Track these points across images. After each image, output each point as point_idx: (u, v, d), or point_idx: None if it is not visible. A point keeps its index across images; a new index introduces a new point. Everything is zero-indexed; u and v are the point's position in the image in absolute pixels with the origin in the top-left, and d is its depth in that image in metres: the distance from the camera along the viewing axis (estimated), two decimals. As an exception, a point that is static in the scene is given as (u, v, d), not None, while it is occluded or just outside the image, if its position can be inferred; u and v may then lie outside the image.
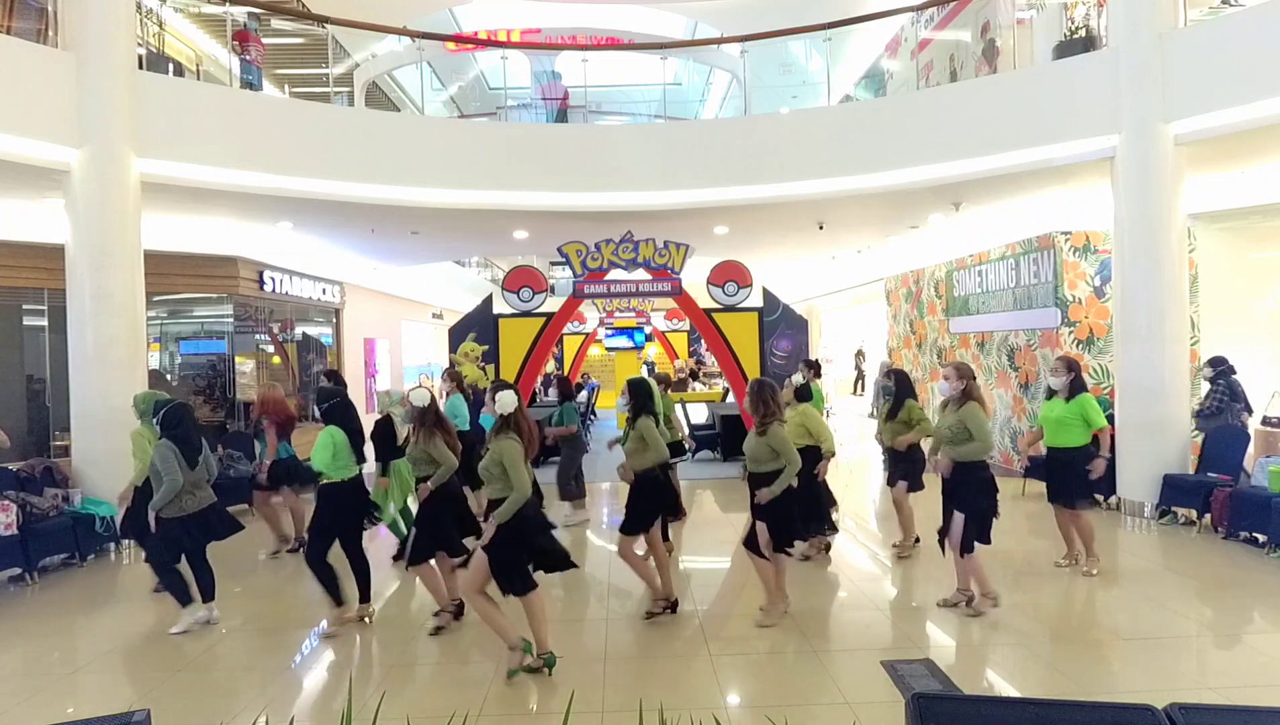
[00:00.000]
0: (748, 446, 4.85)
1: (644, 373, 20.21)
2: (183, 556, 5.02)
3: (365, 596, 5.10)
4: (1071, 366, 5.77)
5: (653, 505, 5.05)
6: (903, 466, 6.33)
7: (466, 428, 7.47)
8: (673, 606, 5.05)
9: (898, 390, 6.48)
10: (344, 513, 4.98)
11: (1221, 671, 4.10)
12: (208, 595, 5.07)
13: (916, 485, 6.33)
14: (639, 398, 5.16)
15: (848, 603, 5.30)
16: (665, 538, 5.92)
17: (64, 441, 8.40)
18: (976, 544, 4.82)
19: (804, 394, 6.26)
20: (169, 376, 11.66)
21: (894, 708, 3.61)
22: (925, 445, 5.84)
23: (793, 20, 10.50)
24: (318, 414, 5.12)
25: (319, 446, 4.84)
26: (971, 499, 4.79)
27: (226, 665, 4.46)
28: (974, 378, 5.06)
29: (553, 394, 14.12)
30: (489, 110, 15.63)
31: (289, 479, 7.00)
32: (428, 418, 5.05)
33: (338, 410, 5.02)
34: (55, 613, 5.50)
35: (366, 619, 5.03)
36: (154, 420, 5.11)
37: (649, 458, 4.98)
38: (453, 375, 7.89)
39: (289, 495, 7.07)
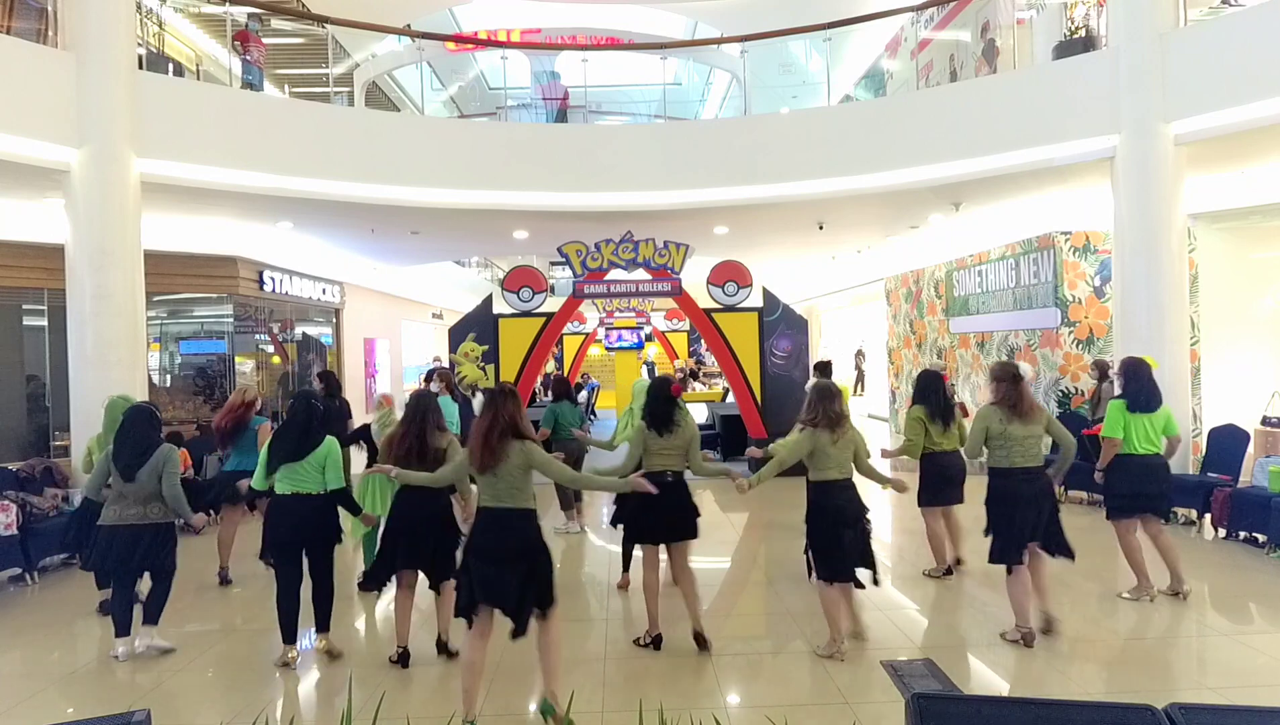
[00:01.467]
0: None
1: (644, 373, 20.20)
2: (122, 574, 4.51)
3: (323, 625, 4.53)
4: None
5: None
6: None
7: (457, 431, 7.43)
8: (655, 642, 4.50)
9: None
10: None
11: (1221, 671, 4.09)
12: (124, 629, 4.49)
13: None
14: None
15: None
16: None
17: (64, 441, 8.40)
18: (1010, 564, 4.36)
19: None
20: (169, 377, 11.67)
21: (894, 708, 3.61)
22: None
23: (793, 20, 10.50)
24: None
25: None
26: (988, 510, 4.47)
27: (226, 665, 4.45)
28: (1000, 379, 4.51)
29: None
30: (489, 110, 15.64)
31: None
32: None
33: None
34: (55, 613, 5.50)
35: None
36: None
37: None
38: (442, 375, 7.83)
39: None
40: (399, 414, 4.74)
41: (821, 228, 11.16)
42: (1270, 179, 8.22)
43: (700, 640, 4.39)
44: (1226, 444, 7.14)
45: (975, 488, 5.13)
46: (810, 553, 4.50)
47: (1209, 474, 7.08)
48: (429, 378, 7.82)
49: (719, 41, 13.32)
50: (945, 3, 9.99)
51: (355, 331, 15.31)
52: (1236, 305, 8.96)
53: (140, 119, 7.36)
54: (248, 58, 8.98)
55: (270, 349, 12.67)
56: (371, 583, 4.78)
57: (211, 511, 7.77)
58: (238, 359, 11.71)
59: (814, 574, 4.51)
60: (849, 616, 4.52)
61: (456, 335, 10.62)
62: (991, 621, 4.82)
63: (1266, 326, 8.93)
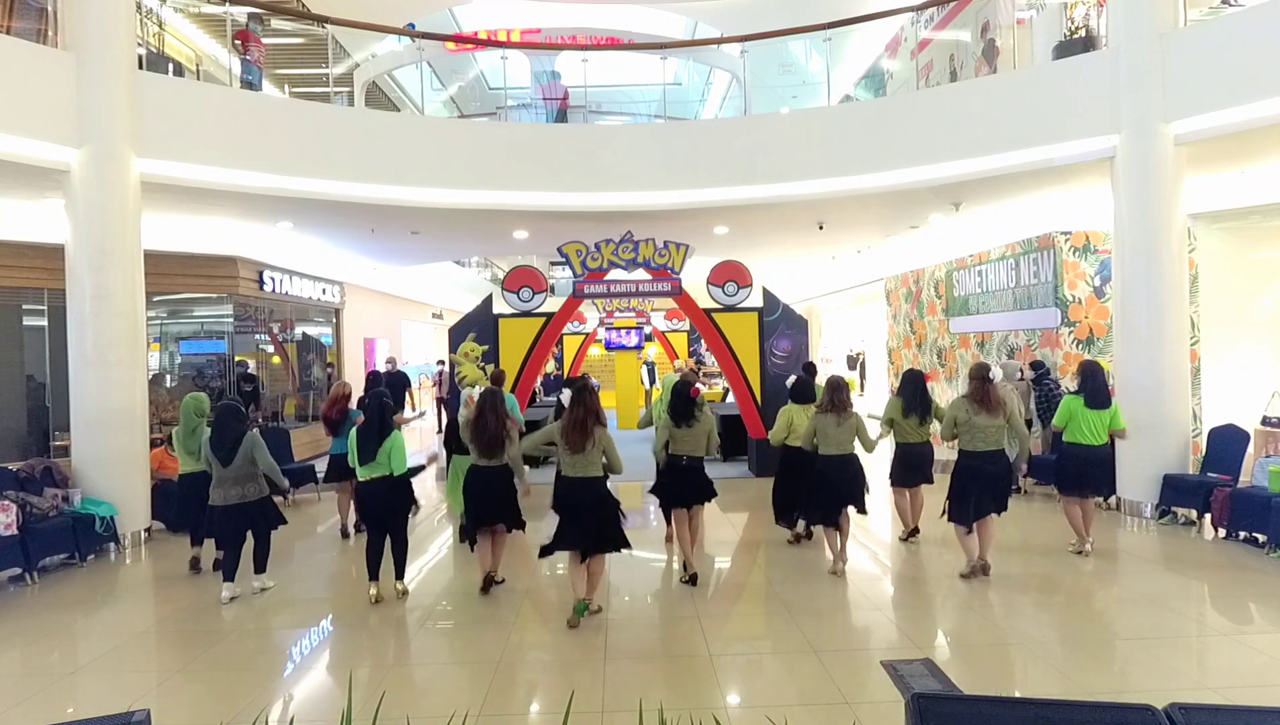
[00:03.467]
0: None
1: (644, 373, 20.19)
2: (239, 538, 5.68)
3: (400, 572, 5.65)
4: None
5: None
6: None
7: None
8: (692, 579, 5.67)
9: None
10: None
11: (1221, 671, 4.10)
12: (228, 574, 5.64)
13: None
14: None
15: (848, 603, 5.29)
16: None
17: (64, 441, 8.41)
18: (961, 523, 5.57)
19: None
20: (168, 377, 11.67)
21: (894, 708, 3.61)
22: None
23: (793, 20, 10.50)
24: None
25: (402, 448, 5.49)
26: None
27: (226, 665, 4.45)
28: (973, 377, 5.65)
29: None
30: (489, 110, 15.64)
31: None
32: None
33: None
34: (55, 613, 5.50)
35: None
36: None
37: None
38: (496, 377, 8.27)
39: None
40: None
41: (821, 228, 11.16)
42: (1270, 179, 8.22)
43: (693, 579, 5.64)
44: (1226, 444, 7.14)
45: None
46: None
47: (1209, 474, 7.08)
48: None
49: (719, 41, 13.32)
50: (945, 3, 9.99)
51: (355, 331, 15.31)
52: (1236, 305, 8.96)
53: (140, 119, 7.36)
54: (248, 57, 8.98)
55: (270, 349, 12.67)
56: (466, 537, 5.95)
57: (290, 491, 8.62)
58: (238, 359, 11.71)
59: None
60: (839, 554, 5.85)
61: (456, 335, 10.61)
62: (992, 622, 4.82)
63: (1266, 326, 8.93)
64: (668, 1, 14.10)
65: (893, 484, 6.82)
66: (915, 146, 8.64)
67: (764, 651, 4.49)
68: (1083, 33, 8.11)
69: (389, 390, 6.44)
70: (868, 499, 5.99)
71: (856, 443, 5.86)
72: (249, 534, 5.66)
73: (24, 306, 9.45)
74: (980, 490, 5.46)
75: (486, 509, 5.48)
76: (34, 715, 3.81)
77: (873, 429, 6.30)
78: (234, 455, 5.46)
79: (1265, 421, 8.02)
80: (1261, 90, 6.45)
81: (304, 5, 11.58)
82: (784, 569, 6.08)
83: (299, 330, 13.51)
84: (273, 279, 11.77)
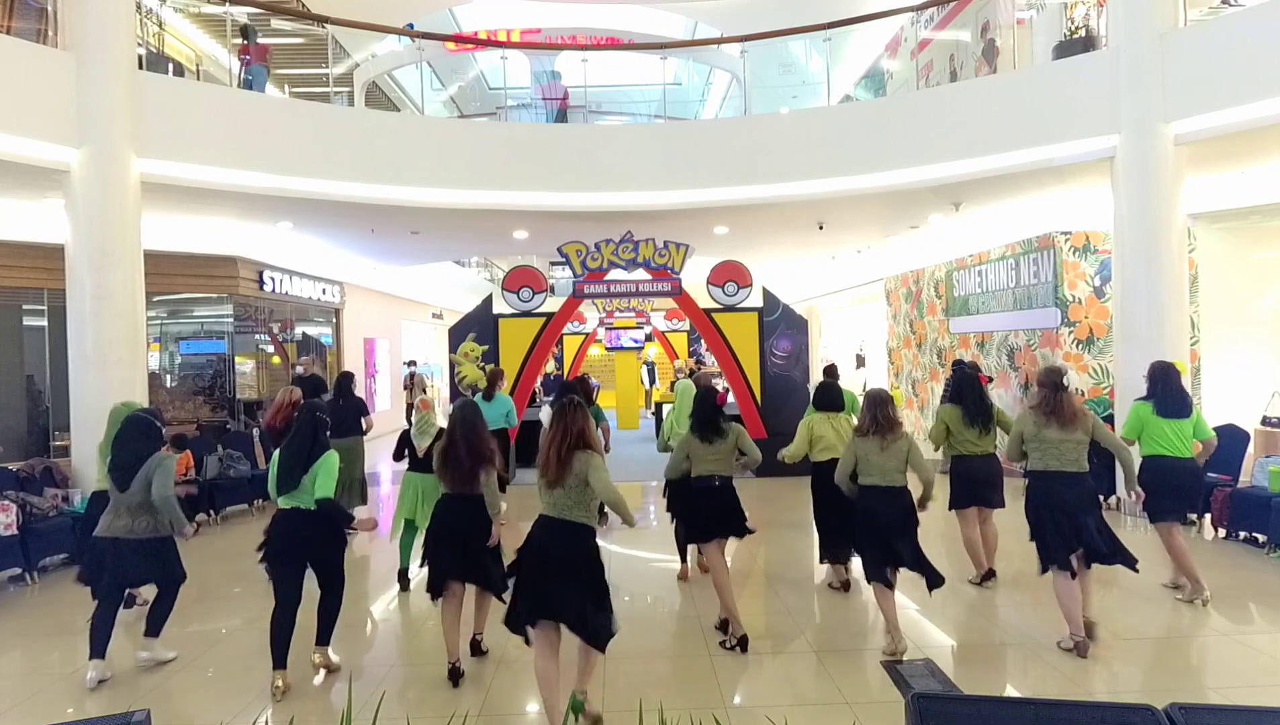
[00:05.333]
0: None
1: (644, 373, 20.17)
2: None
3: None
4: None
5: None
6: None
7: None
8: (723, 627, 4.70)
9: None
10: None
11: (1221, 671, 4.10)
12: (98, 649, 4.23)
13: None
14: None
15: (848, 603, 5.29)
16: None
17: (64, 441, 8.40)
18: (1056, 570, 4.33)
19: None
20: (168, 377, 11.66)
21: (894, 708, 3.61)
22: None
23: (793, 20, 10.50)
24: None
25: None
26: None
27: (226, 665, 4.45)
28: (1041, 384, 4.57)
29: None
30: (489, 110, 15.64)
31: None
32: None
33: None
34: (55, 613, 5.50)
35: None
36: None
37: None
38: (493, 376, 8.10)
39: None
40: (437, 417, 5.00)
41: (821, 228, 11.16)
42: (1270, 179, 8.22)
43: (743, 642, 4.45)
44: (1226, 444, 7.12)
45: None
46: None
47: (1209, 474, 7.06)
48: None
49: (719, 41, 13.32)
50: (945, 3, 9.99)
51: (355, 331, 15.31)
52: (1236, 305, 8.96)
53: (140, 119, 7.36)
54: (247, 57, 8.97)
55: (270, 349, 12.67)
56: (429, 590, 4.29)
57: (212, 512, 7.91)
58: (238, 359, 11.71)
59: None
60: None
61: (456, 335, 10.61)
62: (993, 622, 4.82)
63: (1266, 326, 8.93)
64: (668, 1, 14.10)
65: (954, 508, 5.57)
66: (915, 146, 8.64)
67: (764, 651, 4.49)
68: (1083, 33, 8.11)
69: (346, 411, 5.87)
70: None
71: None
72: (138, 583, 4.52)
73: (24, 306, 9.45)
74: (1063, 522, 4.28)
75: (452, 558, 4.10)
76: (34, 715, 3.81)
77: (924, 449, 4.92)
78: (132, 475, 4.26)
79: (1265, 421, 8.02)
80: (1261, 90, 6.45)
81: (304, 5, 11.58)
82: (784, 569, 6.08)
83: (299, 330, 13.51)
84: (273, 279, 11.77)
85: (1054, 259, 9.44)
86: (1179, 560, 5.08)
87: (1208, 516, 6.72)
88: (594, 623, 3.43)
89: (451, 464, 4.14)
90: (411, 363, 13.55)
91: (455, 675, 4.02)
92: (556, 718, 3.33)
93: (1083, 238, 9.38)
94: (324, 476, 4.03)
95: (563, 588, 3.41)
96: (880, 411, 4.48)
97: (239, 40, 9.21)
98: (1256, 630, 4.72)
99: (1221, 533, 6.58)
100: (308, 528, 4.07)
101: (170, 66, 8.45)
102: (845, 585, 5.45)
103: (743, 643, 4.42)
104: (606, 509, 3.62)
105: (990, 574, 5.50)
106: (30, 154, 6.81)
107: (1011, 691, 3.94)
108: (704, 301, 10.63)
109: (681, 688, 3.95)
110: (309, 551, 4.15)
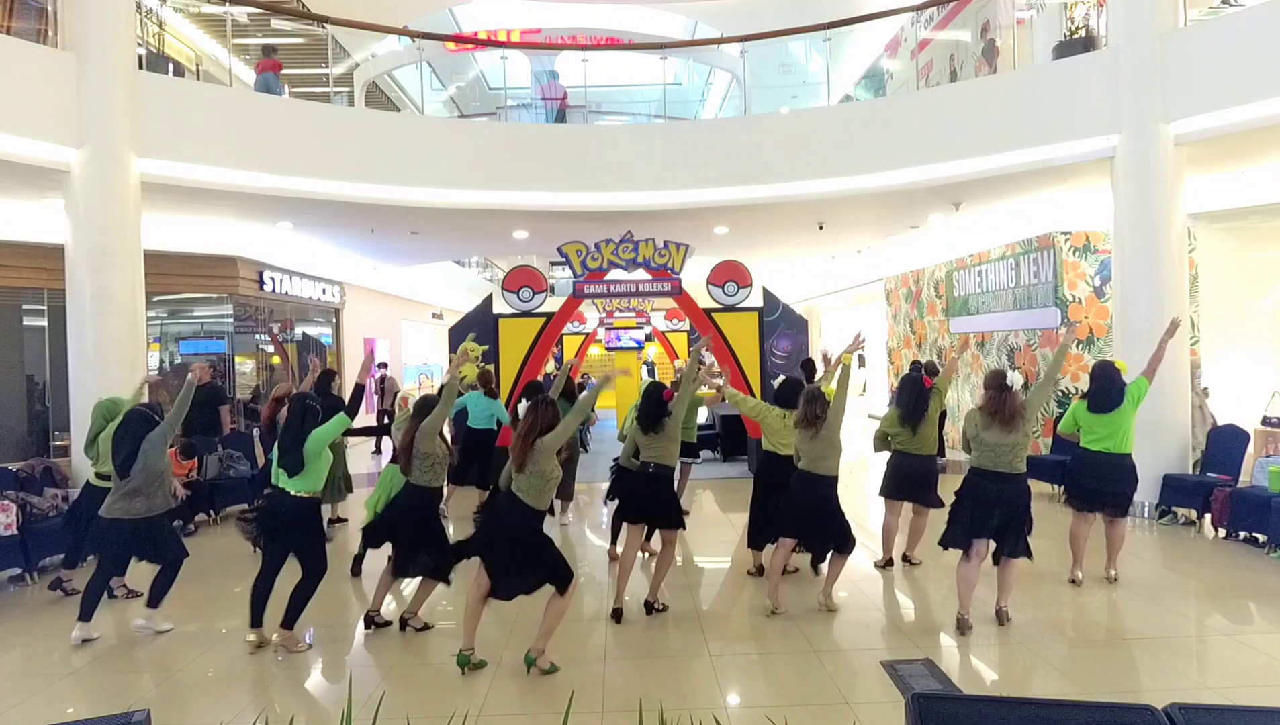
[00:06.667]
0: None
1: (644, 373, 20.15)
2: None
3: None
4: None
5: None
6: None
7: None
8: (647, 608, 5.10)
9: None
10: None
11: (1221, 671, 4.10)
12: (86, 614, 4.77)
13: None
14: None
15: (848, 603, 5.29)
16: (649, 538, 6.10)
17: (64, 441, 8.41)
18: (958, 548, 4.72)
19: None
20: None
21: (894, 708, 3.61)
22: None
23: (793, 20, 10.50)
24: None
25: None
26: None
27: (226, 665, 4.45)
28: (987, 387, 4.79)
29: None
30: (489, 110, 15.63)
31: None
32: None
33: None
34: (55, 613, 5.49)
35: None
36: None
37: None
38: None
39: None
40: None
41: (821, 228, 11.17)
42: (1270, 179, 8.22)
43: (649, 607, 5.06)
44: (1226, 444, 7.14)
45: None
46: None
47: (1209, 474, 7.08)
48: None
49: (719, 41, 13.32)
50: (945, 3, 9.99)
51: (355, 331, 15.31)
52: (1236, 305, 8.96)
53: (140, 119, 7.36)
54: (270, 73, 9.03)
55: (270, 349, 12.67)
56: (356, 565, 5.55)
57: (212, 512, 7.93)
58: (238, 359, 11.71)
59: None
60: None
61: (456, 335, 10.60)
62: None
63: (1266, 326, 8.94)
64: (668, 1, 14.10)
65: (883, 495, 6.01)
66: (915, 146, 8.64)
67: (764, 651, 4.49)
68: (1083, 33, 8.11)
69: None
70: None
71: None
72: (140, 558, 4.91)
73: (24, 306, 9.45)
74: (981, 515, 4.59)
75: (404, 544, 4.69)
76: (34, 715, 3.81)
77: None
78: (133, 462, 4.63)
79: (1265, 421, 8.03)
80: (1261, 90, 6.45)
81: (304, 5, 11.58)
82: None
83: (299, 330, 13.51)
84: (273, 279, 11.77)
85: (1054, 259, 9.45)
86: (1074, 545, 5.52)
87: (1208, 516, 6.72)
88: (535, 579, 4.10)
89: (404, 453, 4.71)
90: (383, 365, 13.58)
91: (369, 623, 4.76)
92: (471, 629, 4.17)
93: (1083, 238, 9.38)
94: (312, 449, 4.42)
95: (510, 558, 4.05)
96: (810, 408, 4.94)
97: (262, 56, 9.36)
98: (1256, 630, 4.72)
99: (1221, 533, 6.59)
100: (287, 510, 4.46)
101: (170, 66, 8.45)
102: (759, 570, 5.87)
103: (615, 614, 4.92)
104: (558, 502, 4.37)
105: (888, 563, 6.02)
106: (30, 154, 6.81)
107: (1011, 691, 3.94)
108: (704, 301, 10.62)
109: (681, 687, 3.95)
110: (286, 535, 4.52)
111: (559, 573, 4.08)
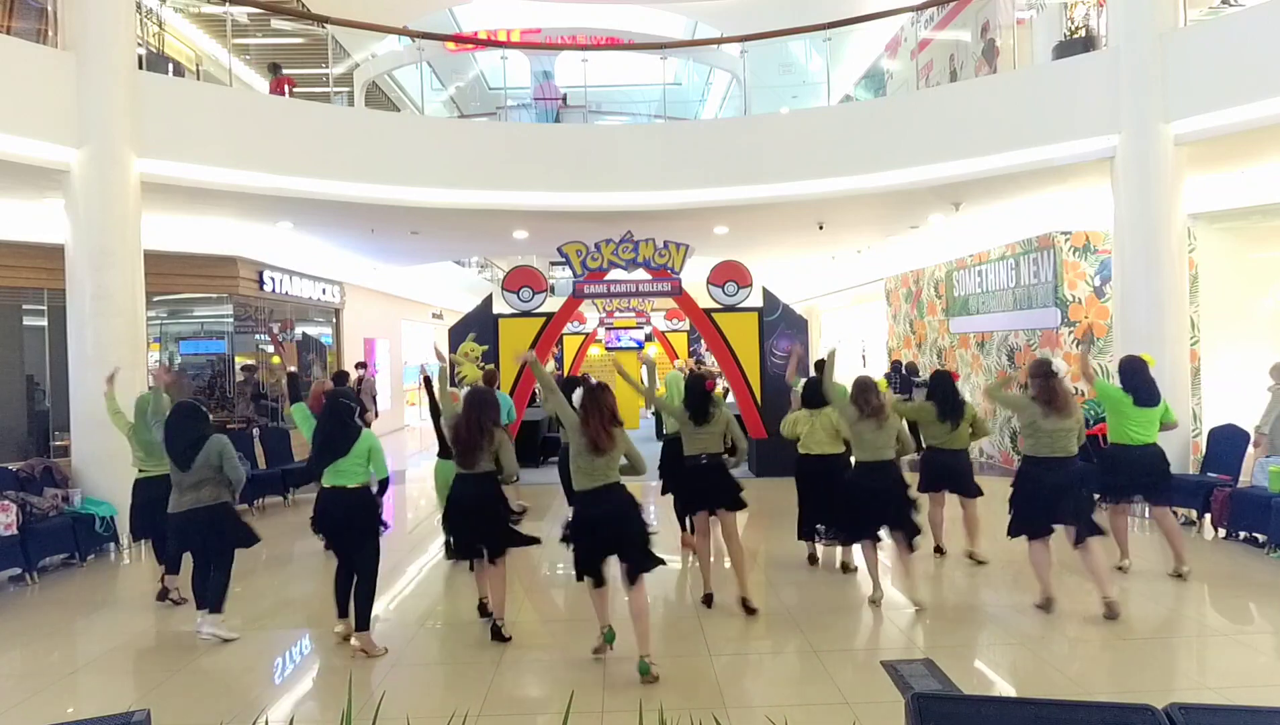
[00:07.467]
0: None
1: (645, 373, 20.11)
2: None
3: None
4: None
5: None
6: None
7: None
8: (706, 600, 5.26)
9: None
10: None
11: (1221, 671, 4.10)
12: (203, 603, 4.84)
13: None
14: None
15: (848, 603, 5.29)
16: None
17: (64, 441, 8.40)
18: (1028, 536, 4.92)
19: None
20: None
21: (894, 708, 3.61)
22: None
23: (793, 20, 10.50)
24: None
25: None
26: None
27: (226, 665, 4.45)
28: (1034, 376, 4.90)
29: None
30: (489, 110, 15.63)
31: None
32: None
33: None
34: (55, 613, 5.50)
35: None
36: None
37: None
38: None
39: None
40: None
41: (821, 228, 11.16)
42: (1270, 179, 8.21)
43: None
44: (1226, 444, 7.13)
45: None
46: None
47: (1209, 474, 7.07)
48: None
49: (719, 41, 13.32)
50: (945, 3, 9.99)
51: (355, 331, 15.31)
52: (1236, 305, 8.95)
53: (140, 119, 7.36)
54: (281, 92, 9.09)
55: (270, 349, 12.67)
56: (457, 555, 5.70)
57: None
58: (238, 359, 11.71)
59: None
60: None
61: (456, 335, 10.61)
62: (994, 622, 4.82)
63: (1266, 326, 8.93)
64: (668, 1, 14.09)
65: (921, 490, 6.00)
66: (915, 146, 8.63)
67: (764, 652, 4.49)
68: (1083, 33, 8.11)
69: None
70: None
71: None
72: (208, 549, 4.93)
73: (24, 306, 9.44)
74: (1044, 501, 4.77)
75: (466, 530, 4.78)
76: (34, 715, 3.81)
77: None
78: (194, 456, 4.70)
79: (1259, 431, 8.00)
80: (1261, 90, 6.45)
81: (304, 5, 11.58)
82: (785, 568, 6.07)
83: (299, 330, 13.51)
84: (273, 279, 11.76)
85: (1054, 259, 9.45)
86: (1118, 538, 5.63)
87: (1208, 516, 6.72)
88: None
89: (459, 444, 4.67)
90: (361, 366, 13.62)
91: (486, 608, 4.95)
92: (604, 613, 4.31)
93: (1083, 238, 9.38)
94: (376, 459, 4.58)
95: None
96: (864, 397, 5.06)
97: (270, 75, 9.56)
98: (1256, 630, 4.73)
99: (1221, 533, 6.58)
100: (339, 508, 4.55)
101: (170, 66, 8.45)
102: (812, 559, 6.15)
103: (707, 600, 5.17)
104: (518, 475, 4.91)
105: (939, 551, 6.20)
106: (30, 154, 6.80)
107: (1011, 691, 3.94)
108: (704, 301, 10.62)
109: (681, 688, 3.95)
110: (339, 533, 4.63)
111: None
